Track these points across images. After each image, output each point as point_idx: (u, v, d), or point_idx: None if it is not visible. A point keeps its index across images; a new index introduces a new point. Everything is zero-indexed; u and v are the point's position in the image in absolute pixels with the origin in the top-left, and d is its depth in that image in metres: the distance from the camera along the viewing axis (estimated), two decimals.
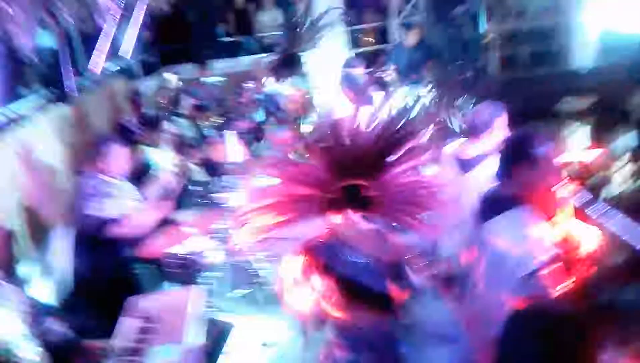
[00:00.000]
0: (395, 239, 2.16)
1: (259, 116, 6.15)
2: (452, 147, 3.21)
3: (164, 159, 4.22)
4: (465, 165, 3.04)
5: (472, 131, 3.03)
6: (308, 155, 2.15)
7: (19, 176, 4.08)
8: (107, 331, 2.69)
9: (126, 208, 3.40)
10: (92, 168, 3.47)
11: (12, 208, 3.89)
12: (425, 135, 2.15)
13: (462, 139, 3.16)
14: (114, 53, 7.19)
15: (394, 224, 2.15)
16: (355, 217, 2.07)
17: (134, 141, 4.41)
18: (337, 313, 2.09)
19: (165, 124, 5.04)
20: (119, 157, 3.47)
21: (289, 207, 2.11)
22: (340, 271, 2.12)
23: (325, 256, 2.14)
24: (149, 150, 4.14)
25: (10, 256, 3.35)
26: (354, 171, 2.06)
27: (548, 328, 1.41)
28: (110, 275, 3.35)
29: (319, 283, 2.08)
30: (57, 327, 2.36)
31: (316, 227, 2.18)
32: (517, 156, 2.19)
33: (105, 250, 3.32)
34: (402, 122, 2.07)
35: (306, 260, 2.13)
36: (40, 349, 2.21)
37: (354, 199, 2.07)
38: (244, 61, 7.95)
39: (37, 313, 2.33)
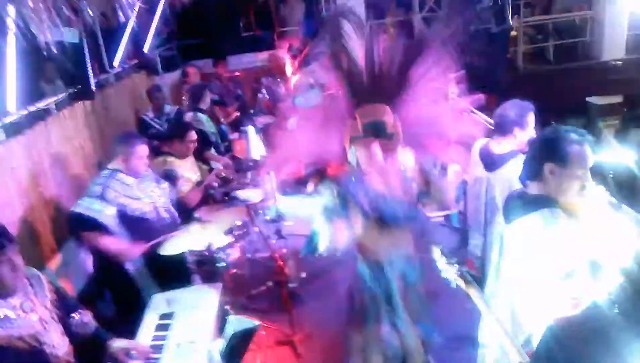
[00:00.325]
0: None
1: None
2: (480, 142, 3.12)
3: (187, 168, 4.22)
4: (494, 162, 2.96)
5: (502, 128, 2.94)
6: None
7: (42, 172, 4.10)
8: (129, 327, 2.68)
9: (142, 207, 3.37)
10: (113, 165, 3.43)
11: (35, 204, 3.91)
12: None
13: (491, 135, 3.07)
14: (135, 48, 7.23)
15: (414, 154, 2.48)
16: (378, 151, 2.32)
17: (157, 151, 4.38)
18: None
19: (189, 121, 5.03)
20: (140, 155, 3.41)
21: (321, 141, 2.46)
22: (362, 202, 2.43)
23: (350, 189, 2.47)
24: (171, 160, 4.13)
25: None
26: (374, 100, 2.37)
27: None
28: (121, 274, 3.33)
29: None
30: (90, 321, 2.36)
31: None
32: (547, 155, 2.10)
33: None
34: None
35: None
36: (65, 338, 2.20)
37: (376, 133, 2.34)
38: (264, 56, 7.92)
39: (69, 304, 2.33)
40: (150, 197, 3.46)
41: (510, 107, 2.93)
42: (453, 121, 2.49)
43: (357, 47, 2.45)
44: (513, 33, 8.37)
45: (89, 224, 3.20)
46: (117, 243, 3.23)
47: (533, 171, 2.16)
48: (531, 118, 2.89)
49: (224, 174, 4.56)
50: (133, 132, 3.61)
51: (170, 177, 3.95)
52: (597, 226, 2.17)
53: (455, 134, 2.46)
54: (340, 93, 2.52)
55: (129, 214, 3.31)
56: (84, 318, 2.32)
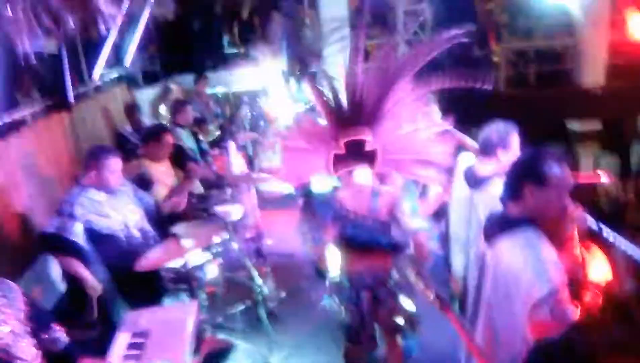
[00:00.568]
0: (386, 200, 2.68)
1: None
2: (465, 163, 3.12)
3: (163, 173, 4.12)
4: (478, 182, 2.96)
5: (487, 149, 2.94)
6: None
7: (14, 184, 3.99)
8: (101, 345, 2.58)
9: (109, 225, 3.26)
10: (84, 180, 3.27)
11: (7, 216, 3.79)
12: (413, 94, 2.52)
13: (475, 156, 3.07)
14: (115, 61, 7.16)
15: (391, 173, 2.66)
16: (356, 172, 2.53)
17: (133, 153, 4.29)
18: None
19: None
20: (112, 169, 3.26)
21: (305, 161, 2.63)
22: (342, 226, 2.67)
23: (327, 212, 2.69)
24: (147, 163, 4.02)
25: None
26: (355, 123, 2.50)
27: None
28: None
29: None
30: (62, 337, 2.26)
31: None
32: (527, 175, 2.10)
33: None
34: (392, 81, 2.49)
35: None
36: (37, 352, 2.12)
37: (356, 153, 2.49)
38: (247, 72, 7.91)
39: (42, 318, 2.23)
40: (123, 214, 3.33)
41: (493, 129, 2.94)
42: (429, 142, 2.58)
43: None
44: (495, 58, 8.53)
45: (60, 245, 3.10)
46: (86, 272, 3.16)
47: (513, 192, 2.16)
48: (514, 140, 2.90)
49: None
50: (105, 145, 3.48)
51: (144, 181, 3.85)
52: (578, 248, 2.17)
53: (431, 155, 2.55)
54: (324, 115, 2.64)
55: (97, 231, 3.18)
56: (54, 334, 2.23)
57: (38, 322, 2.18)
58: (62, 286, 3.44)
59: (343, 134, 2.49)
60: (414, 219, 2.71)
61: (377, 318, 2.86)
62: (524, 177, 2.10)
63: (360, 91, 2.52)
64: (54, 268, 3.45)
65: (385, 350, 3.01)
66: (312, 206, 2.78)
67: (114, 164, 3.27)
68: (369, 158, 2.52)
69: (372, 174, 2.61)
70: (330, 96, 2.61)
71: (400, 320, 2.83)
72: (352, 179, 2.56)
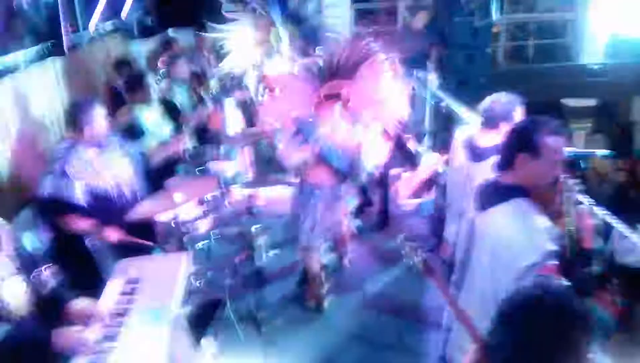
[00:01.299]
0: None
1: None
2: (463, 134, 3.12)
3: (154, 122, 4.09)
4: (478, 154, 2.96)
5: (489, 121, 2.93)
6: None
7: (6, 129, 3.96)
8: (93, 291, 2.62)
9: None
10: (72, 135, 3.20)
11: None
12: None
13: (477, 127, 3.06)
14: (111, 12, 7.02)
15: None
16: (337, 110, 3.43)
17: (121, 101, 4.25)
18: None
19: (154, 84, 4.91)
20: (97, 120, 3.18)
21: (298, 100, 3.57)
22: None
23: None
24: (138, 109, 3.98)
25: None
26: (338, 74, 3.47)
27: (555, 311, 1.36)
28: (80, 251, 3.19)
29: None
30: (50, 278, 2.28)
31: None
32: (521, 145, 2.11)
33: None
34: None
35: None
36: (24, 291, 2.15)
37: (335, 96, 3.45)
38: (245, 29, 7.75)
39: (30, 260, 2.25)
40: (112, 171, 3.28)
41: (498, 102, 2.90)
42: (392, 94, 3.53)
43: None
44: (496, 29, 8.43)
45: (62, 205, 3.04)
46: (95, 226, 3.11)
47: (507, 161, 2.17)
48: (519, 112, 2.87)
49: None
50: (87, 98, 3.36)
51: (135, 129, 3.83)
52: (566, 218, 2.20)
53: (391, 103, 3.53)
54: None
55: (90, 190, 3.14)
56: (46, 275, 2.26)
57: (25, 263, 2.21)
58: (43, 244, 3.37)
59: (326, 84, 3.47)
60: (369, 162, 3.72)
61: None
62: (518, 146, 2.10)
63: (341, 54, 3.47)
64: (35, 226, 3.36)
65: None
66: (300, 130, 3.56)
67: (98, 114, 3.20)
68: (344, 100, 3.44)
69: (345, 115, 3.46)
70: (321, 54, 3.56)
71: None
72: (330, 116, 3.45)
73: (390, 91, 3.53)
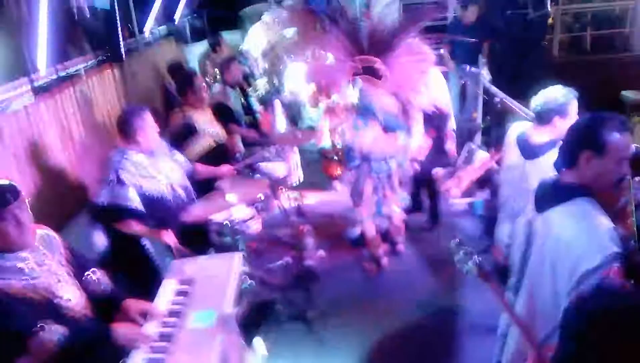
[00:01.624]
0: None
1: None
2: (517, 131, 3.03)
3: (206, 122, 4.17)
4: (532, 151, 2.86)
5: (542, 116, 2.82)
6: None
7: (68, 136, 4.12)
8: (149, 292, 2.69)
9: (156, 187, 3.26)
10: (124, 142, 3.24)
11: (60, 167, 3.93)
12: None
13: (531, 123, 2.96)
14: (164, 16, 7.22)
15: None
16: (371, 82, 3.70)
17: (176, 103, 4.34)
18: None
19: (207, 88, 4.98)
20: (148, 125, 3.23)
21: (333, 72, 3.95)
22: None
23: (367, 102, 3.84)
24: (191, 112, 4.07)
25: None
26: (372, 49, 3.68)
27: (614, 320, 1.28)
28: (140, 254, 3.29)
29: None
30: (103, 278, 2.37)
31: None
32: (584, 142, 2.00)
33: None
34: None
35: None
36: (79, 292, 2.22)
37: (371, 71, 3.67)
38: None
39: (82, 262, 2.34)
40: (166, 175, 3.34)
41: (551, 95, 2.79)
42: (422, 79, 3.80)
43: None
44: (550, 20, 8.15)
45: (119, 213, 3.11)
46: (153, 231, 3.18)
47: (569, 159, 2.06)
48: (574, 106, 2.76)
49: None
50: (138, 105, 3.42)
51: (189, 129, 3.90)
52: (632, 219, 2.09)
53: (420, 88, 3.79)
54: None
55: (146, 195, 3.19)
56: (99, 276, 2.33)
57: (81, 266, 2.29)
58: (99, 249, 3.46)
59: (360, 58, 3.68)
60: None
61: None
62: (581, 144, 1.99)
63: (375, 32, 3.70)
64: (92, 232, 3.46)
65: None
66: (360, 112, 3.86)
67: (148, 120, 3.24)
68: (377, 76, 3.67)
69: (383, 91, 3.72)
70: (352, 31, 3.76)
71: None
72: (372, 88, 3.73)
73: (428, 77, 3.80)
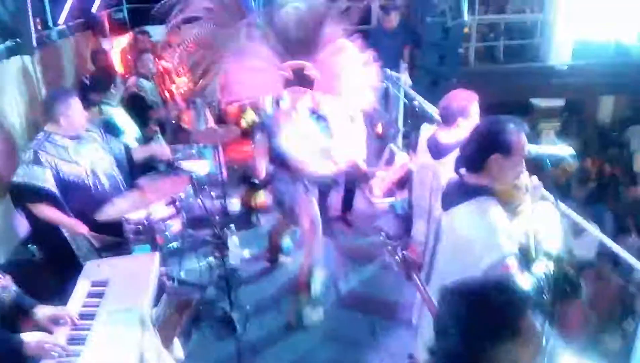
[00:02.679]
0: None
1: None
2: (427, 132, 3.18)
3: (125, 123, 4.06)
4: (440, 151, 3.02)
5: (446, 118, 2.99)
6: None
7: None
8: (58, 294, 2.58)
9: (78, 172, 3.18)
10: (48, 126, 3.19)
11: None
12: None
13: (436, 125, 3.13)
14: (82, 7, 6.90)
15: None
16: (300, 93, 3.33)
17: (94, 100, 4.19)
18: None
19: (121, 85, 4.87)
20: (74, 109, 3.18)
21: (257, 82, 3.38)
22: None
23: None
24: (109, 109, 3.94)
25: None
26: (298, 51, 3.32)
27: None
28: (57, 239, 3.17)
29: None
30: (8, 285, 2.24)
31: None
32: (493, 146, 2.10)
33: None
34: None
35: None
36: None
37: (302, 78, 3.32)
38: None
39: None
40: (90, 161, 3.26)
41: (453, 98, 2.98)
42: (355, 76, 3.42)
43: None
44: (466, 29, 8.55)
45: (32, 193, 3.03)
46: (64, 217, 3.09)
47: (478, 163, 2.13)
48: (474, 108, 2.94)
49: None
50: (63, 88, 3.33)
51: (111, 127, 3.79)
52: (529, 215, 2.23)
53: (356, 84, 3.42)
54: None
55: (63, 178, 3.12)
56: (4, 283, 2.22)
57: None
58: (20, 234, 3.34)
59: (288, 63, 3.31)
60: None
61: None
62: (489, 148, 2.08)
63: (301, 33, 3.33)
64: (13, 216, 3.34)
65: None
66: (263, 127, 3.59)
67: (76, 105, 3.20)
68: (309, 82, 3.33)
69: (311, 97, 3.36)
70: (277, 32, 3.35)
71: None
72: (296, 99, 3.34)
73: (358, 78, 3.45)
